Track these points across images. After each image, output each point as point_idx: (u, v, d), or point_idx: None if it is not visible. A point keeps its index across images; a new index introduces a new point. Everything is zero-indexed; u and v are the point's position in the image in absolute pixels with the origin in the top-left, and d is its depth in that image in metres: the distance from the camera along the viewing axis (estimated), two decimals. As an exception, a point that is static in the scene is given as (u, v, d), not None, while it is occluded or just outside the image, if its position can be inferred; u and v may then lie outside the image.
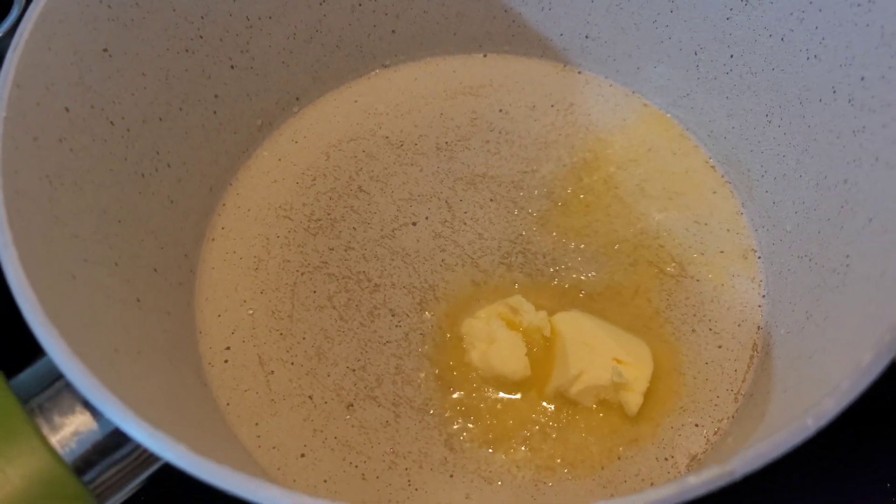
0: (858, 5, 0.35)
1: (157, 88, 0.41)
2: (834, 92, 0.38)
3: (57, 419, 0.29)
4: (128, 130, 0.39)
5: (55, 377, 0.29)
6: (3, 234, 0.28)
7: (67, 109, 0.35)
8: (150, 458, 0.30)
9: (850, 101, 0.37)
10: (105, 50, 0.37)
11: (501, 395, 0.41)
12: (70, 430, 0.29)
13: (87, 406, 0.29)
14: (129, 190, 0.39)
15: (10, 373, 0.30)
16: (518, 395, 0.41)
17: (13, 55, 0.32)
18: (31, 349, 0.29)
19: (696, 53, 0.46)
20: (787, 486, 0.44)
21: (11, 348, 0.32)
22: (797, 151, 0.41)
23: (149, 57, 0.40)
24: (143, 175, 0.41)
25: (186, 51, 0.42)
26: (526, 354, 0.42)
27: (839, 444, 0.45)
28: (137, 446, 0.29)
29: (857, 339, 0.29)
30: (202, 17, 0.42)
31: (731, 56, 0.44)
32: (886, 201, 0.33)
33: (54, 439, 0.28)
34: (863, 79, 0.36)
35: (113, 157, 0.38)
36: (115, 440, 0.29)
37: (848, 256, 0.35)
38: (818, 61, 0.38)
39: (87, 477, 0.29)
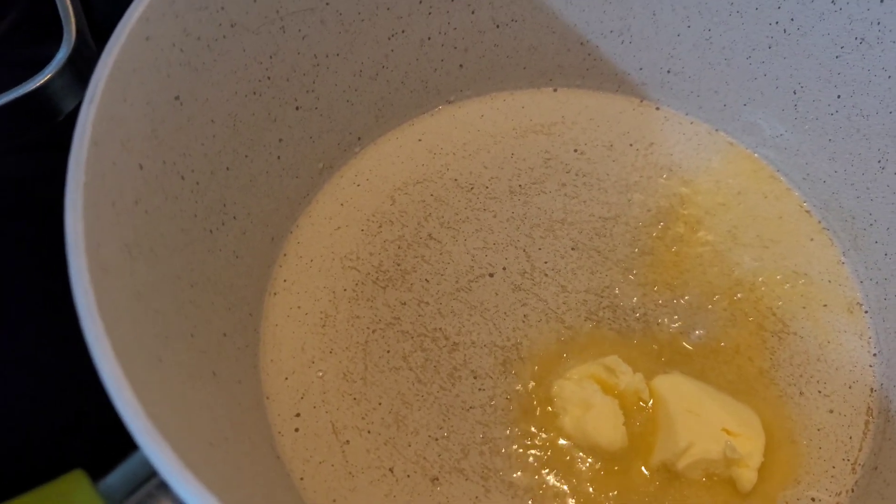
0: None
1: (225, 136, 0.38)
2: (968, 141, 0.35)
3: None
4: (197, 184, 0.36)
5: (145, 477, 0.26)
6: (94, 325, 0.24)
7: (141, 167, 0.31)
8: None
9: None
10: (177, 98, 0.34)
11: (599, 466, 0.38)
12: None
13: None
14: (199, 249, 0.36)
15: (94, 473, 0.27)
16: (616, 468, 0.38)
17: (89, 109, 0.29)
18: (113, 447, 0.26)
19: (794, 92, 0.43)
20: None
21: (94, 446, 0.28)
22: (917, 202, 0.38)
23: (218, 102, 0.37)
24: (210, 231, 0.37)
25: (254, 93, 0.39)
26: (623, 423, 0.38)
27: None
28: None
29: None
30: (271, 57, 0.39)
31: (839, 97, 0.41)
32: None
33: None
34: None
35: (184, 216, 0.35)
36: None
37: None
38: (948, 107, 0.36)
39: None
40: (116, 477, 0.26)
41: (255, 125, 0.40)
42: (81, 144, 0.28)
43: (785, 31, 0.41)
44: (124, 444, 0.24)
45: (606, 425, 0.38)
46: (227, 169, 0.38)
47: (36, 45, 0.44)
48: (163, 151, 0.33)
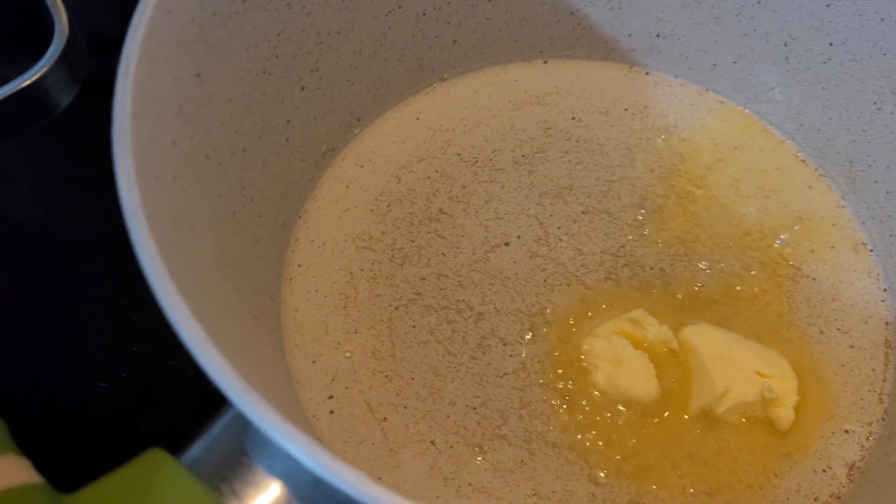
0: None
1: (241, 115, 0.37)
2: (967, 72, 0.36)
3: (244, 489, 0.24)
4: (220, 164, 0.35)
5: (232, 449, 0.25)
6: (167, 288, 0.24)
7: (174, 143, 0.31)
8: None
9: None
10: (198, 75, 0.33)
11: (638, 418, 0.38)
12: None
13: (274, 473, 0.25)
14: (226, 230, 0.35)
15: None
16: (655, 420, 0.39)
17: (126, 83, 0.28)
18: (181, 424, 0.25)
19: (785, 45, 0.44)
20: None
21: (162, 424, 0.27)
22: (917, 137, 0.39)
23: (233, 80, 0.36)
24: (234, 213, 0.36)
25: (264, 72, 0.38)
26: (656, 375, 0.39)
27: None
28: None
29: None
30: (278, 35, 0.38)
31: (831, 44, 0.42)
32: None
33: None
34: None
35: (211, 195, 0.34)
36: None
37: None
38: (944, 42, 0.37)
39: None
40: (197, 450, 0.25)
41: (266, 105, 0.39)
42: (124, 116, 0.27)
43: (774, -15, 0.43)
44: (193, 420, 0.23)
45: (639, 378, 0.38)
46: (244, 150, 0.37)
47: (22, 45, 0.42)
48: (190, 129, 0.32)
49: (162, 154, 0.29)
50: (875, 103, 0.41)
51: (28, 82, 0.38)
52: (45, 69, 0.38)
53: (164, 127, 0.30)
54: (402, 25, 0.45)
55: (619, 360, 0.39)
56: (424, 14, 0.45)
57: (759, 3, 0.44)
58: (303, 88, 0.41)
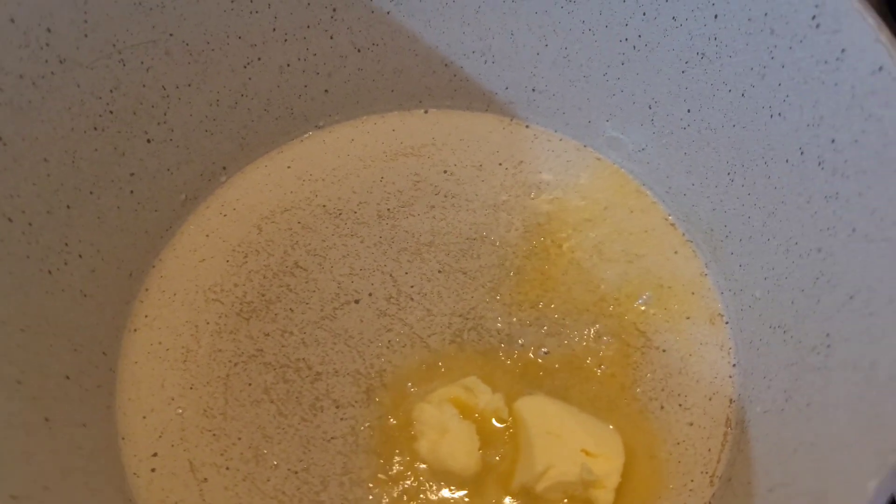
0: (825, 62, 0.33)
1: (62, 174, 0.37)
2: (801, 153, 0.35)
3: None
4: (29, 225, 0.35)
5: None
6: None
7: (-49, 212, 0.31)
8: None
9: (819, 164, 0.34)
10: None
11: (458, 493, 0.38)
12: None
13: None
14: (34, 292, 0.35)
15: None
16: (476, 495, 0.38)
17: None
18: None
19: (650, 107, 0.43)
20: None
21: None
22: (763, 213, 0.38)
23: (50, 140, 0.36)
24: (49, 272, 0.36)
25: (95, 128, 0.38)
26: (479, 449, 0.38)
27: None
28: None
29: (853, 445, 0.26)
30: (111, 91, 0.38)
31: (689, 111, 0.41)
32: (868, 279, 0.30)
33: None
34: (833, 141, 0.33)
35: (12, 258, 0.34)
36: None
37: (828, 335, 0.32)
38: (783, 119, 0.36)
39: None
40: None
41: (99, 161, 0.39)
42: None
43: (635, 48, 0.42)
44: None
45: (460, 450, 0.38)
46: (68, 207, 0.37)
47: None
48: (-20, 194, 0.32)
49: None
50: (728, 174, 0.40)
51: None
52: None
53: (-62, 197, 0.30)
54: (263, 77, 0.44)
55: (444, 429, 0.38)
56: (288, 65, 0.45)
57: (622, 65, 0.43)
58: (149, 141, 0.41)
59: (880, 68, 0.30)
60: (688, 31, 0.39)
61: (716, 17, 0.37)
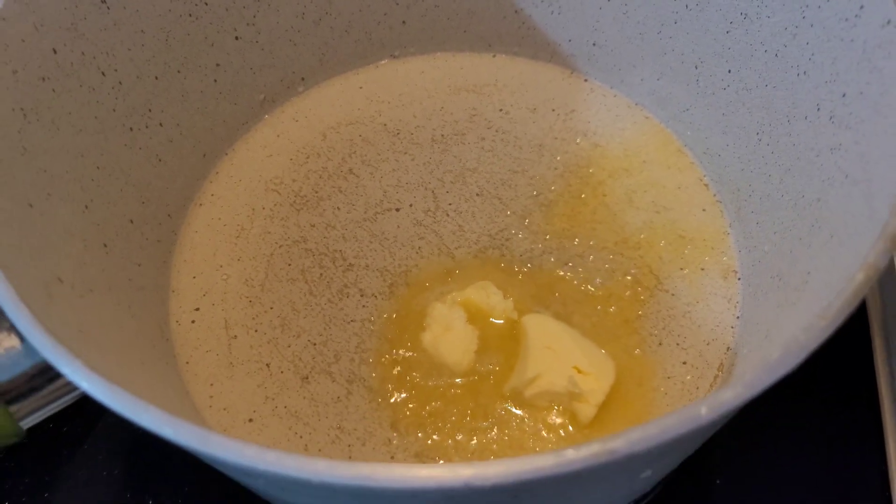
0: (846, 20, 0.35)
1: (155, 47, 0.42)
2: (818, 109, 0.37)
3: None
4: (119, 83, 0.40)
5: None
6: None
7: (55, 51, 0.36)
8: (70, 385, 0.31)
9: (830, 118, 0.36)
10: (103, 1, 0.39)
11: (454, 383, 0.41)
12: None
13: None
14: (115, 140, 0.40)
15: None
16: (470, 387, 0.41)
17: (6, -7, 0.34)
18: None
19: (696, 67, 0.45)
20: None
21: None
22: (781, 171, 0.40)
23: (149, 15, 0.41)
24: (130, 129, 0.42)
25: (189, 15, 0.43)
26: (475, 351, 0.41)
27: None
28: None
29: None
30: (208, -17, 0.43)
31: (729, 71, 0.43)
32: (846, 216, 0.32)
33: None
34: (844, 95, 0.35)
35: (100, 106, 0.39)
36: (39, 366, 0.30)
37: (808, 273, 0.34)
38: (807, 77, 0.38)
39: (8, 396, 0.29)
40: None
41: (189, 45, 0.44)
42: (-11, 15, 0.33)
43: (687, 7, 0.44)
44: None
45: (457, 348, 0.41)
46: (156, 78, 0.43)
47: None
48: (82, 45, 0.38)
49: (32, 55, 0.35)
50: (757, 133, 0.42)
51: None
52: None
53: (45, 36, 0.36)
54: (347, -2, 0.49)
55: (449, 327, 0.41)
56: (371, -9, 0.49)
57: (675, 23, 0.45)
58: (237, 38, 0.46)
59: (888, 22, 0.32)
60: (735, -9, 0.41)
61: (760, -24, 0.39)
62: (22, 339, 0.30)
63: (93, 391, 0.26)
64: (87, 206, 0.38)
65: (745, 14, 0.41)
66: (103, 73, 0.39)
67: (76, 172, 0.37)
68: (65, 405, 0.31)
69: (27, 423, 0.30)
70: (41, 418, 0.30)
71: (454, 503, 0.25)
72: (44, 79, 0.36)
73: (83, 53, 0.38)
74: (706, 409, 0.23)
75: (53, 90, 0.36)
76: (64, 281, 0.33)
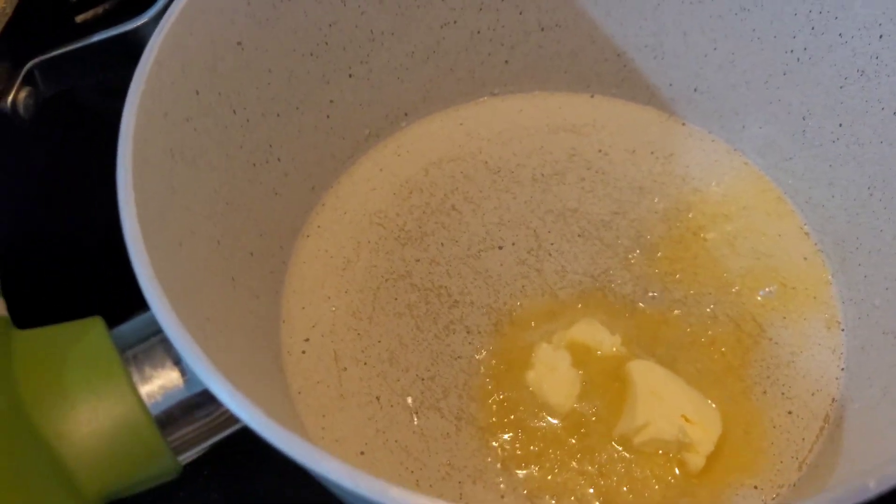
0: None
1: (279, 86, 0.43)
2: (939, 171, 0.37)
3: (148, 371, 0.31)
4: (247, 121, 0.42)
5: (152, 332, 0.32)
6: (126, 193, 0.30)
7: (197, 92, 0.37)
8: (228, 420, 0.32)
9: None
10: (239, 43, 0.40)
11: (561, 426, 0.42)
12: (158, 384, 0.31)
13: (178, 364, 0.31)
14: (241, 176, 0.42)
15: (113, 323, 0.33)
16: (578, 432, 0.42)
17: (158, 36, 0.35)
18: (134, 305, 0.32)
19: (804, 118, 0.46)
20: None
21: (117, 301, 0.34)
22: (895, 227, 0.40)
23: (277, 55, 0.43)
24: (254, 164, 0.43)
25: (311, 54, 0.45)
26: (577, 395, 0.42)
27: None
28: (218, 407, 0.31)
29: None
30: (330, 26, 0.45)
31: (840, 125, 0.44)
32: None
33: (143, 390, 0.30)
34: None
35: (231, 143, 0.41)
36: (197, 399, 0.31)
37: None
38: (927, 139, 0.38)
39: (168, 430, 0.30)
40: (127, 328, 0.32)
41: (308, 83, 0.45)
42: (146, 61, 0.34)
43: (798, 60, 0.45)
44: (139, 301, 0.29)
45: (561, 391, 0.42)
46: (278, 115, 0.44)
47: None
48: (219, 85, 0.39)
49: (179, 97, 0.36)
50: (869, 188, 0.43)
51: (128, 29, 0.46)
52: (146, 19, 0.47)
53: (190, 78, 0.37)
54: (455, 38, 0.50)
55: (554, 368, 0.42)
56: (479, 32, 0.50)
57: (784, 75, 0.46)
58: (350, 76, 0.48)
59: None
60: (852, 49, 0.42)
61: (881, 37, 0.40)
62: (184, 374, 0.31)
63: (258, 427, 0.27)
64: (218, 242, 0.39)
65: (863, 71, 0.41)
66: (234, 112, 0.41)
67: (210, 209, 0.38)
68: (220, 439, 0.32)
69: (185, 459, 0.31)
70: (198, 455, 0.31)
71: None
72: (187, 119, 0.37)
73: (220, 94, 0.39)
74: (874, 483, 0.24)
75: (195, 130, 0.37)
76: (210, 319, 0.34)
